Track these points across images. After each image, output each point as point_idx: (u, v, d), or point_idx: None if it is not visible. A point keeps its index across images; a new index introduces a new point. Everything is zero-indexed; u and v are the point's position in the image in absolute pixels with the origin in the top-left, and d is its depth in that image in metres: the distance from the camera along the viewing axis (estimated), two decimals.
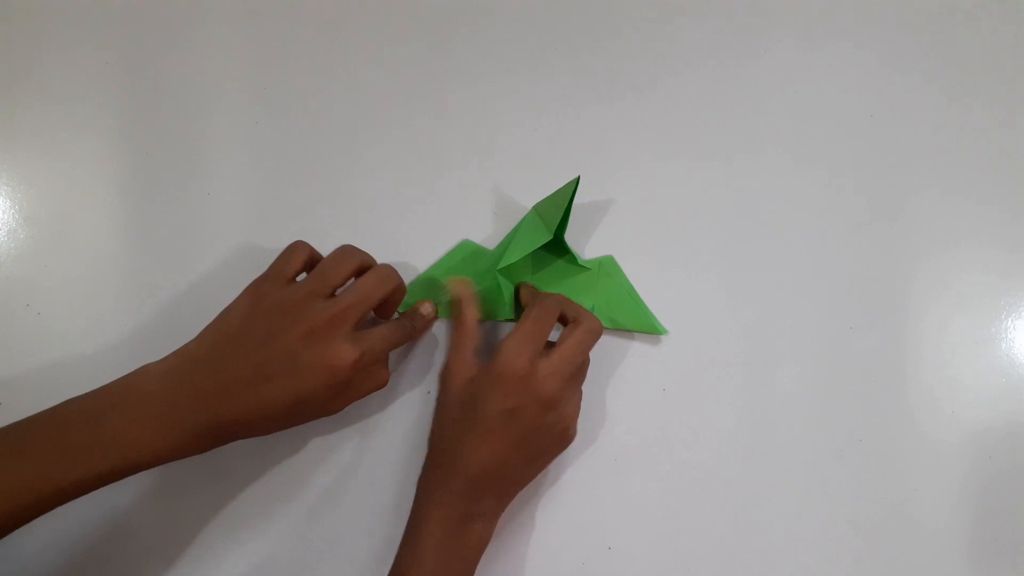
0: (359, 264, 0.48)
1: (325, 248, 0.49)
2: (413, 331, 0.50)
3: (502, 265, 0.51)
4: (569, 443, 0.49)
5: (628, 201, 0.56)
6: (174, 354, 0.45)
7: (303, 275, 0.48)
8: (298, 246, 0.48)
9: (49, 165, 0.56)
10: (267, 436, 0.47)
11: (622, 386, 0.54)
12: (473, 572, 0.47)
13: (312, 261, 0.48)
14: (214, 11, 0.57)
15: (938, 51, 0.57)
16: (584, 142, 0.56)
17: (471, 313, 0.50)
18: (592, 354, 0.49)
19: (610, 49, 0.57)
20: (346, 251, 0.48)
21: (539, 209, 0.54)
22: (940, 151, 0.56)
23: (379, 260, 0.49)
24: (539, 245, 0.51)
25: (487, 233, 0.56)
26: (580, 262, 0.54)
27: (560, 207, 0.51)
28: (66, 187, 0.55)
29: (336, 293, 0.47)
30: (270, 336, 0.44)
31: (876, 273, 0.55)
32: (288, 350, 0.44)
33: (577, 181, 0.50)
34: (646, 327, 0.54)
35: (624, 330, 0.54)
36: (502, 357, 0.46)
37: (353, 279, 0.48)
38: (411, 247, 0.55)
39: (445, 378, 0.49)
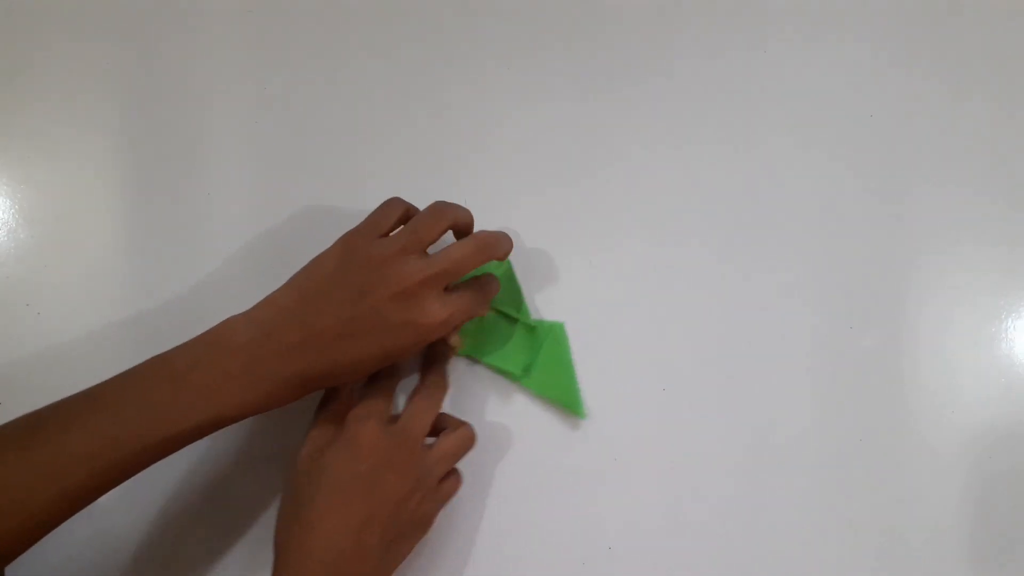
0: (453, 221, 0.47)
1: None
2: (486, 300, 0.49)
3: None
4: (425, 532, 0.48)
5: (624, 197, 0.55)
6: (260, 304, 0.45)
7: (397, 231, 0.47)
8: (394, 202, 0.48)
9: (49, 165, 0.56)
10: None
11: (622, 386, 0.54)
12: None
13: (407, 217, 0.47)
14: (213, 10, 0.57)
15: (939, 48, 0.57)
16: (582, 137, 0.56)
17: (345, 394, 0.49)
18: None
19: (608, 44, 0.57)
20: (440, 207, 0.47)
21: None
22: (941, 150, 0.56)
23: None
24: None
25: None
26: (529, 321, 0.53)
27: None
28: (66, 187, 0.55)
29: (428, 251, 0.46)
30: (360, 293, 0.43)
31: (876, 272, 0.55)
32: (378, 308, 0.43)
33: None
34: (568, 404, 0.53)
35: (545, 398, 0.53)
36: (348, 424, 0.45)
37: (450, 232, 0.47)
38: None
39: (298, 452, 0.46)
